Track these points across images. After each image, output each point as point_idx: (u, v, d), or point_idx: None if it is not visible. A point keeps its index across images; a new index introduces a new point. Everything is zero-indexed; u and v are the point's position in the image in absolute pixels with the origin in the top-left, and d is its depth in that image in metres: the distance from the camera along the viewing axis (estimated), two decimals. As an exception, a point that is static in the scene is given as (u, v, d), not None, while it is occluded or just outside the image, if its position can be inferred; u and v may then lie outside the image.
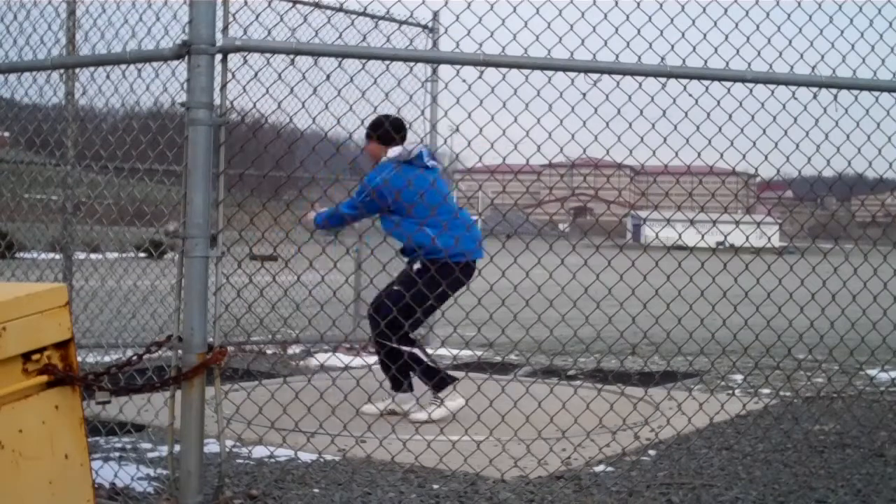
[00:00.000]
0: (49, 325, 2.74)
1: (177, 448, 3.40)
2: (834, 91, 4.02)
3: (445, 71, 6.91)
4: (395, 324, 5.22)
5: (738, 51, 4.00)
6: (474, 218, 6.12)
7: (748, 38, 3.97)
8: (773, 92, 4.02)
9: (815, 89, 4.01)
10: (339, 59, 3.66)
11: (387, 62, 3.94)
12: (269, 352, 8.35)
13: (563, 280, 4.09)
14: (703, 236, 4.20)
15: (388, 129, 5.78)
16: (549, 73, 3.74)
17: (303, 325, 6.10)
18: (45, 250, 8.08)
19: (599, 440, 4.55)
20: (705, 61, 3.86)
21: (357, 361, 7.02)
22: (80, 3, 7.08)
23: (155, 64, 3.67)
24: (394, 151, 5.80)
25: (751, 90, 3.98)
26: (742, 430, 5.26)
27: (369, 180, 5.64)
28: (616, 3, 3.89)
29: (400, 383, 5.63)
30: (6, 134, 8.00)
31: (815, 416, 5.59)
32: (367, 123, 5.70)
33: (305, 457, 4.45)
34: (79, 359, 2.90)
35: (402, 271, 5.69)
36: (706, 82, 3.90)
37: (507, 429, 4.38)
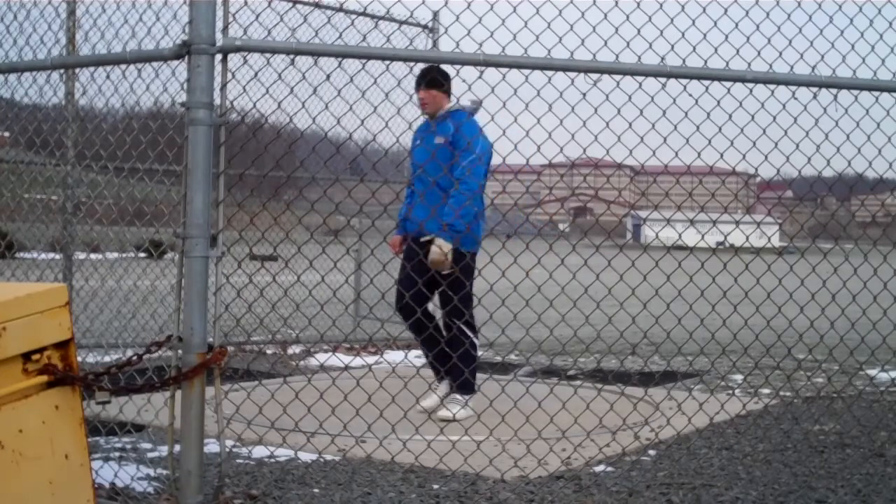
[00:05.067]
0: (49, 325, 2.74)
1: (177, 448, 3.40)
2: (834, 91, 4.02)
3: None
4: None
5: (738, 51, 4.01)
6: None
7: (748, 38, 3.98)
8: (773, 92, 4.02)
9: (815, 89, 4.01)
10: (339, 59, 3.66)
11: (387, 62, 3.94)
12: (269, 352, 8.35)
13: (563, 280, 4.09)
14: (703, 236, 4.20)
15: (450, 79, 5.47)
16: (549, 73, 3.74)
17: (303, 325, 6.10)
18: (45, 250, 8.08)
19: (599, 440, 4.55)
20: (705, 61, 3.86)
21: (357, 361, 7.02)
22: (80, 3, 7.08)
23: (155, 64, 3.67)
24: (466, 101, 5.54)
25: (751, 90, 3.98)
26: (742, 430, 5.26)
27: (474, 137, 5.32)
28: (616, 3, 3.90)
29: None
30: (6, 134, 8.00)
31: (815, 416, 5.59)
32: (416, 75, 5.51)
33: (305, 457, 4.45)
34: (79, 359, 2.90)
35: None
36: (706, 82, 3.90)
37: (507, 429, 4.38)
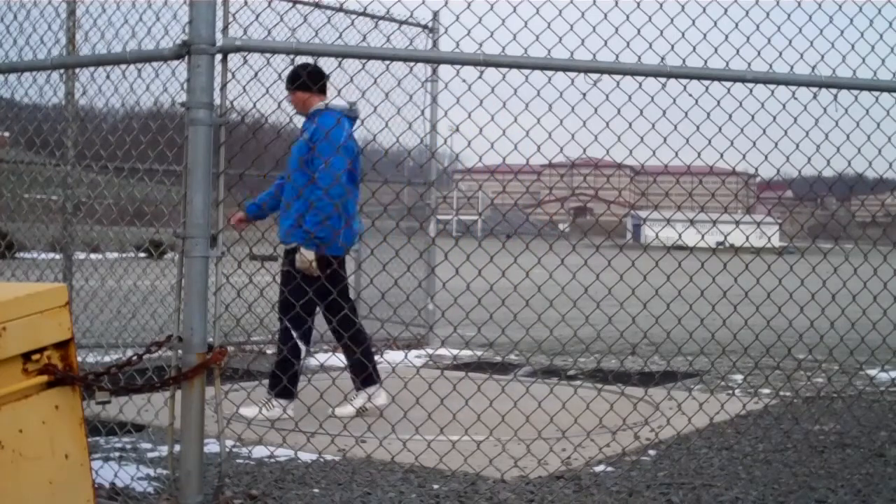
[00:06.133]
0: (49, 325, 2.74)
1: (177, 448, 3.40)
2: (834, 91, 4.02)
3: (445, 71, 6.87)
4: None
5: (738, 51, 4.01)
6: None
7: (748, 38, 3.98)
8: (773, 92, 4.02)
9: (815, 89, 4.01)
10: (339, 59, 3.66)
11: (387, 62, 3.94)
12: (269, 352, 8.35)
13: (563, 280, 4.09)
14: (703, 236, 4.20)
15: (323, 78, 5.29)
16: (549, 73, 3.74)
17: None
18: (45, 250, 8.08)
19: (599, 440, 4.55)
20: (705, 61, 3.86)
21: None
22: (80, 3, 7.09)
23: (155, 64, 3.67)
24: (338, 101, 5.45)
25: (751, 90, 3.98)
26: (742, 430, 5.26)
27: (335, 136, 5.15)
28: (616, 3, 3.90)
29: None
30: (6, 134, 8.01)
31: (815, 416, 5.59)
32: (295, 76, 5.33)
33: (305, 457, 4.45)
34: (79, 359, 2.90)
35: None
36: (706, 82, 3.90)
37: (507, 429, 4.37)
